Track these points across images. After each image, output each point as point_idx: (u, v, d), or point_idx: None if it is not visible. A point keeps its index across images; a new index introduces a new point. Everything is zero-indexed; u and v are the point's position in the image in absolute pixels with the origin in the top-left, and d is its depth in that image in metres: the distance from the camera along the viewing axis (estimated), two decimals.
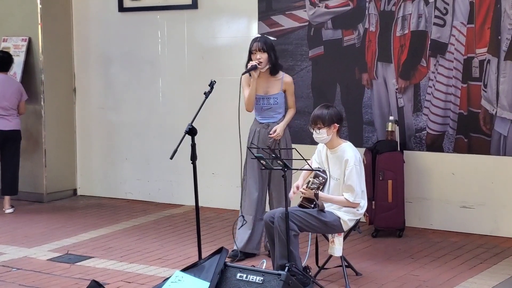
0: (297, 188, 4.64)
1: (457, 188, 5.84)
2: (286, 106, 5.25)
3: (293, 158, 4.39)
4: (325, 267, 4.80)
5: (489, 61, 5.62)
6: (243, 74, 5.02)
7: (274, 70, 5.11)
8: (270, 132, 5.10)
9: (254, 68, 5.03)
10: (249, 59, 5.11)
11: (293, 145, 4.62)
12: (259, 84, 5.12)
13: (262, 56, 5.04)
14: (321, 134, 4.58)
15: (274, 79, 5.14)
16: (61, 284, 4.82)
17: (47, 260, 5.40)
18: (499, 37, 5.56)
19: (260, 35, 5.26)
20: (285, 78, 5.17)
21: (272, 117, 5.16)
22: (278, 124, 5.14)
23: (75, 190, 7.73)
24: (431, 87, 5.86)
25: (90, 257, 5.42)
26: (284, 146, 5.08)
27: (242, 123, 5.04)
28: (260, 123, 5.17)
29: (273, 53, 5.09)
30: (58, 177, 7.54)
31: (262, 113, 5.18)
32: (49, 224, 6.52)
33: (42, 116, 7.35)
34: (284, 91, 5.17)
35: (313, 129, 4.61)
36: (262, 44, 5.06)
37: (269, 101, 5.13)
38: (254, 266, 4.31)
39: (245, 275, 4.14)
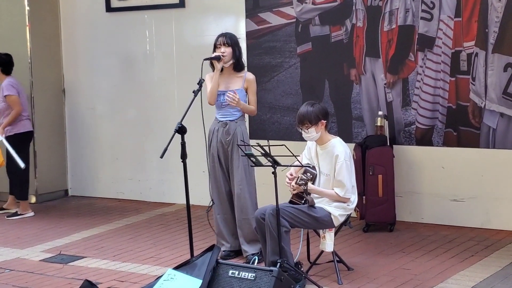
0: (291, 174, 4.63)
1: (447, 181, 5.87)
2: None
3: (283, 154, 4.39)
4: (316, 262, 4.82)
5: (477, 54, 5.64)
6: (204, 59, 4.93)
7: (237, 65, 5.06)
8: (233, 93, 4.93)
9: (218, 58, 4.98)
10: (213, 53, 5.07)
11: (283, 142, 4.62)
12: (221, 79, 5.06)
13: (226, 50, 4.99)
14: (310, 133, 4.59)
15: (236, 76, 5.09)
16: (54, 284, 4.83)
17: (40, 260, 5.39)
18: (487, 30, 5.58)
19: (227, 32, 5.23)
20: (247, 75, 5.10)
21: (232, 114, 5.07)
22: (236, 122, 5.06)
23: (66, 191, 7.72)
24: (419, 81, 5.88)
25: (83, 257, 5.42)
26: (240, 140, 5.00)
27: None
28: (219, 121, 5.11)
29: (237, 48, 5.04)
30: (49, 178, 7.53)
31: (221, 110, 5.10)
32: (41, 225, 6.51)
33: (31, 117, 7.33)
34: (246, 89, 5.09)
35: (301, 129, 4.62)
36: (228, 38, 5.02)
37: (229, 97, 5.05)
38: (246, 263, 4.32)
39: (237, 272, 4.15)
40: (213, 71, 5.07)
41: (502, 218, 5.68)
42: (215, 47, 5.05)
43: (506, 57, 5.53)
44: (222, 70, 5.04)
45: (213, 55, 5.01)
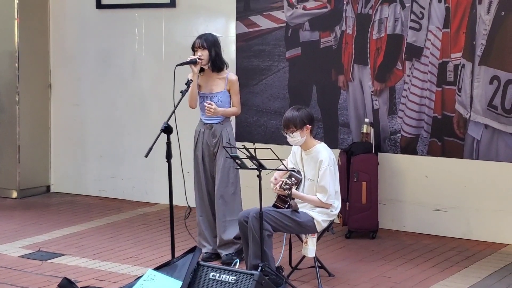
0: (275, 179, 4.61)
1: (430, 191, 5.89)
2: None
3: (268, 158, 4.39)
4: (298, 267, 4.82)
5: (463, 65, 5.68)
6: (177, 65, 4.91)
7: (214, 67, 5.03)
8: (209, 104, 4.98)
9: (194, 62, 4.97)
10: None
11: (269, 146, 4.62)
12: (205, 82, 5.07)
13: (202, 53, 4.99)
14: (295, 138, 4.60)
15: (218, 78, 5.08)
16: (33, 281, 4.78)
17: (19, 256, 5.35)
18: (474, 42, 5.62)
19: (205, 33, 5.22)
20: (229, 76, 5.09)
21: (217, 116, 5.07)
22: (222, 125, 5.07)
23: (48, 187, 7.66)
24: (406, 90, 5.91)
25: (62, 255, 5.38)
26: (226, 142, 5.00)
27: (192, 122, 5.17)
28: (204, 123, 5.12)
29: (214, 49, 5.02)
30: (32, 174, 7.47)
31: (205, 112, 5.10)
32: (22, 221, 6.46)
33: (16, 111, 7.28)
34: (229, 90, 5.09)
35: (286, 133, 4.62)
36: (203, 41, 5.01)
37: (213, 100, 5.05)
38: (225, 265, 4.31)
39: (218, 275, 4.14)
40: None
41: (483, 229, 5.72)
42: (193, 50, 5.05)
43: (492, 70, 5.57)
44: (203, 71, 5.05)
45: (187, 59, 5.01)
